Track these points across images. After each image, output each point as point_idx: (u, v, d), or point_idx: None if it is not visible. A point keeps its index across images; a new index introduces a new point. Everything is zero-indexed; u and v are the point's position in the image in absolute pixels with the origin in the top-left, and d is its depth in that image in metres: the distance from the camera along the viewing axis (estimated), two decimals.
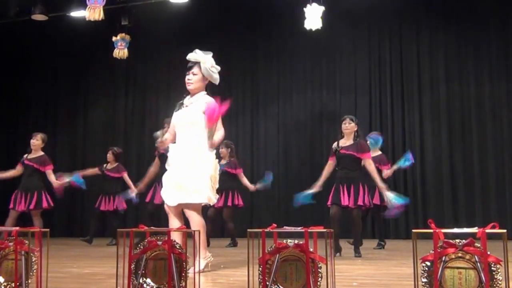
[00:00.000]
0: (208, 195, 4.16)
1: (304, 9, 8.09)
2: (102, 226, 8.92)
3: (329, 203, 5.71)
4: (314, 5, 8.06)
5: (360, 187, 5.66)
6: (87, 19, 8.02)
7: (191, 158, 4.12)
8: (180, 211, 4.28)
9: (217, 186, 4.29)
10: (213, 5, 10.08)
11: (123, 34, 9.49)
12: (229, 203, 7.60)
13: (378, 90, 9.95)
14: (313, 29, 8.04)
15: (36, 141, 7.35)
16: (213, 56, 4.32)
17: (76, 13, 9.39)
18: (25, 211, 7.21)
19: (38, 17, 9.51)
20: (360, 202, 5.60)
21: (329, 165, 5.95)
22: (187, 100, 4.34)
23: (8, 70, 11.74)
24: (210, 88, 4.47)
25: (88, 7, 7.93)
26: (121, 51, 9.46)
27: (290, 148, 10.36)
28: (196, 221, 4.15)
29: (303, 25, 8.10)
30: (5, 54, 11.37)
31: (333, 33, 9.73)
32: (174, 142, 4.34)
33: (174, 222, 4.22)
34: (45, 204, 7.25)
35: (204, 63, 4.28)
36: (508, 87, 9.24)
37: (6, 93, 11.92)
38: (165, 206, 4.30)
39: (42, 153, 7.38)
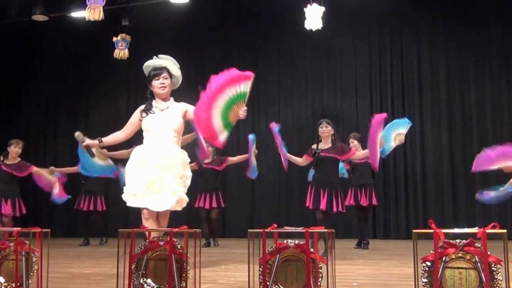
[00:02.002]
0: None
1: (305, 9, 8.08)
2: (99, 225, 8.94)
3: (310, 207, 5.70)
4: (315, 5, 8.05)
5: (339, 192, 5.74)
6: (87, 19, 8.00)
7: (176, 164, 4.07)
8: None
9: None
10: (213, 5, 10.07)
11: (124, 35, 9.47)
12: (215, 205, 7.71)
13: (378, 90, 9.94)
14: (314, 29, 8.02)
15: (19, 149, 7.29)
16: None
17: (77, 14, 9.38)
18: None
19: (39, 17, 9.50)
20: (346, 203, 5.67)
21: (304, 160, 6.00)
22: (160, 105, 4.22)
23: (9, 70, 11.73)
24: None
25: (88, 7, 7.90)
26: (121, 52, 9.44)
27: (291, 148, 10.26)
28: (165, 224, 4.09)
29: (304, 25, 8.09)
30: (6, 55, 11.36)
31: (334, 33, 9.70)
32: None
33: (151, 226, 4.03)
34: (17, 213, 7.25)
35: (174, 65, 4.30)
36: (509, 87, 9.23)
37: (6, 94, 11.91)
38: (146, 210, 4.00)
39: (19, 159, 7.33)
